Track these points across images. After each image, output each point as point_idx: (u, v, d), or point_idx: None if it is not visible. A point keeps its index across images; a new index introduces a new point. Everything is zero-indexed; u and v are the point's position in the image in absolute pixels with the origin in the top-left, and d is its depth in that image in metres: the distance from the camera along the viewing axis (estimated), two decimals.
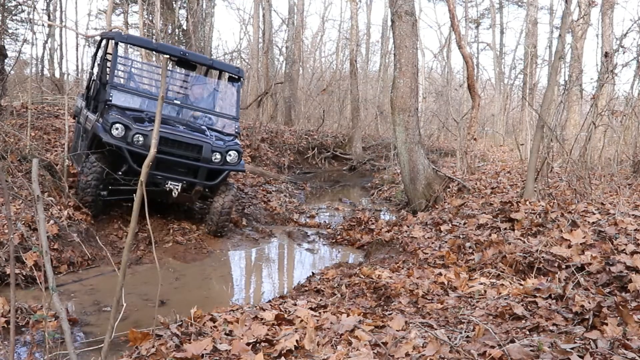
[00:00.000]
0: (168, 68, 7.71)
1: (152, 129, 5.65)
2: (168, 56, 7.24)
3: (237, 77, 7.46)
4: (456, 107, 18.65)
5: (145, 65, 9.42)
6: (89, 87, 8.01)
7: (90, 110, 7.25)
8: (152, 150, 2.32)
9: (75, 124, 8.50)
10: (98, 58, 7.83)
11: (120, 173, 6.11)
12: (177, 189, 6.24)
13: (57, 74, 19.25)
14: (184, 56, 6.97)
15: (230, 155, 6.56)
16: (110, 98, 6.45)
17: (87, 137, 6.74)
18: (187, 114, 7.15)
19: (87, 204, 6.15)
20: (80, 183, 6.12)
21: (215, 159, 6.41)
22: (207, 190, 6.67)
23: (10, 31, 19.28)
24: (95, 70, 7.90)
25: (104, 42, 7.76)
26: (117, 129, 6.01)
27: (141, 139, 6.03)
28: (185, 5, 19.07)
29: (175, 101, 7.10)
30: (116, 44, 6.79)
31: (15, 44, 20.13)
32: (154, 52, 7.89)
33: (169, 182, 6.21)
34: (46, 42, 18.69)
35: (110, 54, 7.29)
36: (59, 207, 5.91)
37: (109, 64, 7.14)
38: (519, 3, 28.85)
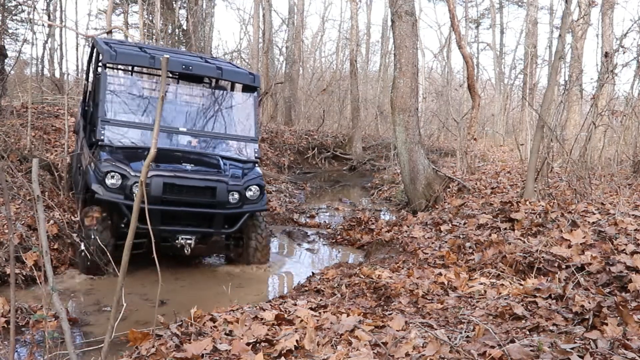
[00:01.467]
0: (168, 84, 6.65)
1: (155, 174, 5.03)
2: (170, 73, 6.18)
3: (252, 86, 6.23)
4: (456, 107, 18.65)
5: (143, 81, 7.73)
6: (86, 99, 6.92)
7: (87, 135, 6.10)
8: (152, 151, 2.31)
9: (75, 145, 7.22)
10: (91, 69, 6.70)
11: (123, 223, 5.18)
12: (190, 244, 5.27)
13: (57, 74, 19.27)
14: (188, 71, 5.83)
15: (250, 191, 5.55)
16: (102, 137, 5.34)
17: (82, 179, 5.77)
18: (194, 138, 6.01)
19: (91, 263, 5.03)
20: (83, 233, 5.13)
21: (232, 199, 5.40)
22: (227, 237, 5.71)
23: (10, 31, 19.29)
24: (90, 81, 6.75)
25: (96, 50, 6.43)
26: (112, 178, 5.08)
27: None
28: (185, 5, 19.09)
29: (180, 128, 5.86)
30: (104, 66, 5.72)
31: (15, 44, 20.14)
32: (152, 69, 6.49)
33: (180, 236, 5.23)
34: (46, 42, 18.70)
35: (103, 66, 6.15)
36: (61, 209, 5.91)
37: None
38: (519, 3, 28.85)
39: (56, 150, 8.90)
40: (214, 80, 7.06)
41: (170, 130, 5.81)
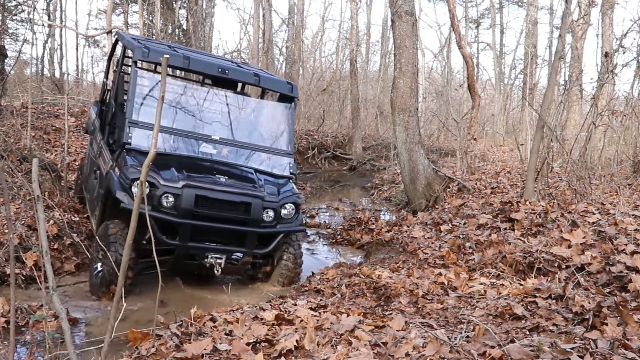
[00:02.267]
0: (202, 86, 6.21)
1: (187, 184, 4.56)
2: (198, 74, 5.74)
3: (289, 96, 5.78)
4: (456, 107, 18.65)
5: (175, 83, 6.99)
6: (104, 100, 6.46)
7: (105, 137, 5.66)
8: (152, 151, 2.32)
9: (88, 146, 6.60)
10: (113, 66, 6.24)
11: (145, 240, 4.61)
12: (220, 263, 4.80)
13: (57, 74, 19.26)
14: (224, 75, 5.36)
15: (285, 209, 5.07)
16: (129, 141, 4.81)
17: (100, 184, 5.25)
18: (225, 148, 5.49)
19: (107, 284, 4.48)
20: (106, 260, 4.44)
21: (267, 217, 4.95)
22: (261, 260, 5.25)
23: (10, 31, 19.29)
24: (110, 79, 6.21)
25: (120, 46, 6.04)
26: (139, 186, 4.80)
27: (171, 199, 4.55)
28: (185, 5, 19.08)
29: (213, 137, 5.37)
30: (135, 64, 5.15)
31: (15, 44, 20.14)
32: (185, 71, 5.92)
33: (210, 254, 4.76)
34: (46, 42, 18.70)
35: (128, 64, 5.70)
36: (61, 209, 5.91)
37: (126, 77, 5.74)
38: (519, 3, 28.85)
39: (56, 150, 8.90)
40: (247, 88, 6.44)
41: (201, 137, 5.30)
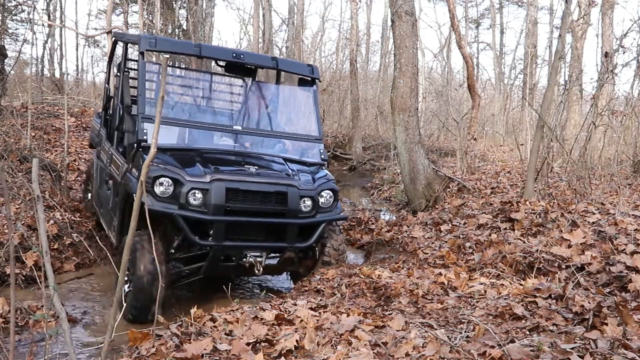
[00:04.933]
0: (214, 73, 5.83)
1: (216, 178, 4.13)
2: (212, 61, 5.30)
3: (311, 78, 5.39)
4: (456, 107, 18.65)
5: (181, 74, 6.55)
6: (107, 108, 6.08)
7: (115, 144, 5.29)
8: (152, 151, 2.31)
9: (94, 158, 6.27)
10: (114, 68, 5.96)
11: (174, 248, 4.28)
12: (260, 262, 4.38)
13: (57, 74, 19.27)
14: (239, 59, 4.98)
15: (323, 197, 4.71)
16: (145, 137, 4.38)
17: (116, 192, 4.84)
18: (247, 140, 5.10)
19: (142, 306, 3.92)
20: (135, 277, 3.93)
21: (304, 207, 4.55)
22: (300, 253, 4.80)
23: (10, 31, 19.28)
24: (112, 84, 5.88)
25: (120, 46, 5.71)
26: (162, 185, 4.10)
27: (200, 196, 4.12)
28: (185, 5, 19.08)
29: (235, 127, 5.03)
30: (142, 54, 4.78)
31: (15, 44, 20.13)
32: (196, 57, 5.48)
33: (248, 253, 4.34)
34: (46, 42, 18.71)
35: (134, 67, 5.48)
36: (61, 209, 5.91)
37: (130, 74, 5.50)
38: (519, 3, 28.85)
39: (56, 150, 8.90)
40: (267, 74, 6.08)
41: (221, 129, 4.95)
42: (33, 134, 8.60)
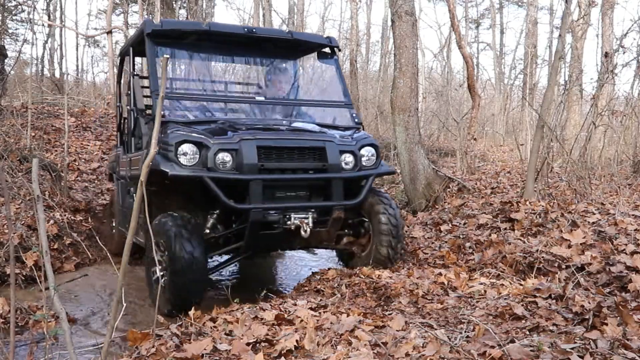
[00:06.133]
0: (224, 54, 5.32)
1: (245, 138, 3.80)
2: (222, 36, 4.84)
3: (330, 49, 5.11)
4: (456, 107, 18.64)
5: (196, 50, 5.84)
6: (122, 128, 5.79)
7: (133, 151, 5.01)
8: (152, 151, 2.30)
9: (115, 184, 5.89)
10: (123, 82, 5.85)
11: (208, 227, 3.95)
12: (307, 224, 3.91)
13: (57, 74, 19.27)
14: (252, 34, 4.67)
15: (364, 153, 4.35)
16: (164, 112, 4.01)
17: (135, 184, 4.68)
18: (274, 112, 4.78)
19: (190, 295, 3.66)
20: (172, 261, 3.60)
21: (346, 164, 4.20)
22: (350, 228, 4.46)
23: (10, 31, 19.29)
24: (124, 103, 5.66)
25: (127, 59, 5.44)
26: (186, 152, 3.78)
27: (228, 158, 3.78)
28: (185, 5, 19.08)
29: (257, 97, 4.73)
30: (149, 35, 4.49)
31: (15, 44, 20.14)
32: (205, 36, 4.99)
33: (292, 215, 3.91)
34: (46, 42, 18.71)
35: (139, 75, 5.25)
36: (62, 209, 5.91)
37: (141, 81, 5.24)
38: (519, 3, 28.86)
39: (56, 150, 8.90)
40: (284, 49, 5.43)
41: (244, 100, 4.61)
42: (33, 134, 8.60)
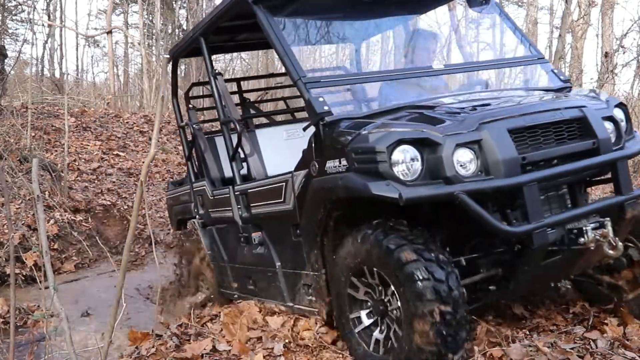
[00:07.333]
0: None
1: (483, 121, 2.38)
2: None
3: None
4: None
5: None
6: (192, 155, 4.15)
7: (238, 182, 3.47)
8: (152, 151, 2.29)
9: (203, 236, 4.00)
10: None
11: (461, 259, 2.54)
12: (605, 236, 2.37)
13: (57, 74, 19.27)
14: None
15: (618, 115, 2.82)
16: (326, 108, 2.68)
17: (291, 215, 2.96)
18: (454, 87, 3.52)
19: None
20: (417, 309, 2.23)
21: (609, 134, 2.70)
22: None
23: (10, 31, 19.28)
24: (193, 115, 4.20)
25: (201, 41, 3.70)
26: (404, 160, 2.35)
27: (470, 156, 2.36)
28: (185, 5, 19.08)
29: (435, 66, 3.25)
30: (256, 2, 2.98)
31: (15, 44, 20.11)
32: None
33: (585, 227, 2.41)
34: (46, 42, 18.69)
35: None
36: (62, 209, 5.91)
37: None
38: (519, 3, 28.86)
39: (56, 150, 8.90)
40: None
41: (419, 72, 3.25)
42: (33, 134, 8.59)
